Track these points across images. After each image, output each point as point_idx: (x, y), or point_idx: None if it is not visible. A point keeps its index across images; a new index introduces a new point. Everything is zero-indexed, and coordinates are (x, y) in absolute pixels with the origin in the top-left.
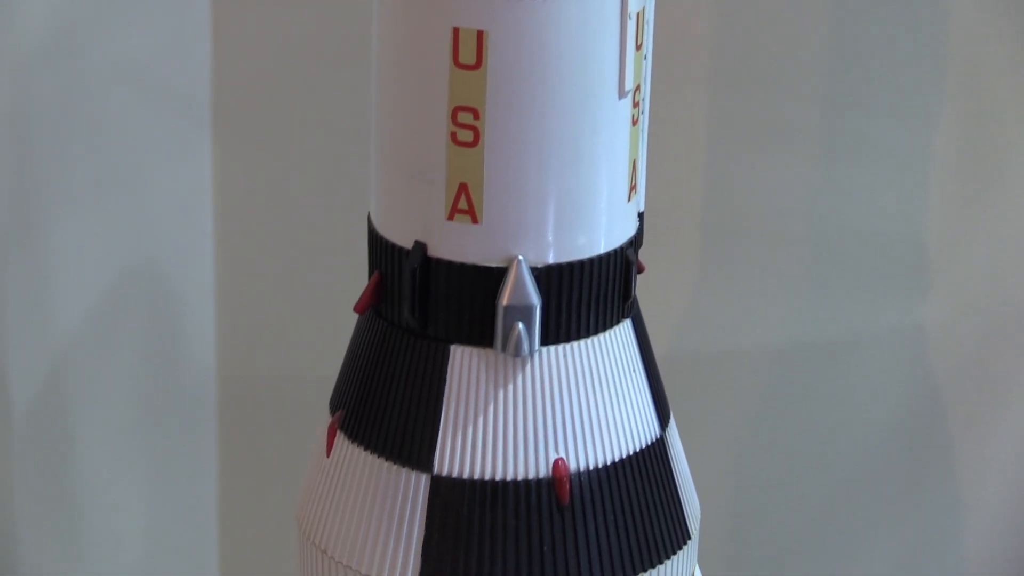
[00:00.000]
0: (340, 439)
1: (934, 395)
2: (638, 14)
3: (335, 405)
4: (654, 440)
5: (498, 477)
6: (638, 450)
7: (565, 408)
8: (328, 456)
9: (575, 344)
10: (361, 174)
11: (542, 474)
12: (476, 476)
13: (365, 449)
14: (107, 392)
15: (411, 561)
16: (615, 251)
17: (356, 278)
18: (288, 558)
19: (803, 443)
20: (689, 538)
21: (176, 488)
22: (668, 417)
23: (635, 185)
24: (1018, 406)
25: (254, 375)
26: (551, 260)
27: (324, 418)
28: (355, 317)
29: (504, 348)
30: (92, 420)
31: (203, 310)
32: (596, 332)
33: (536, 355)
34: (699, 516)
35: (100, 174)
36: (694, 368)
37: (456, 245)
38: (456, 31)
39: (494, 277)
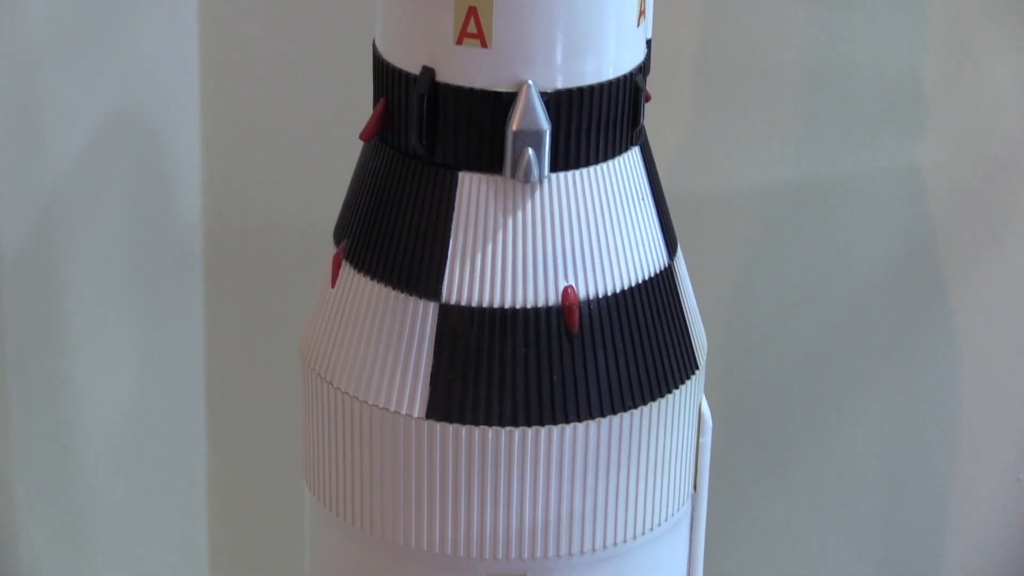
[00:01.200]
0: (346, 269)
1: (930, 235)
2: None
3: (339, 235)
4: (663, 269)
5: (507, 305)
6: (647, 278)
7: (574, 235)
8: (333, 287)
9: (584, 171)
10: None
11: (551, 302)
12: (485, 304)
13: (372, 279)
14: (94, 236)
15: (419, 390)
16: (624, 77)
17: (349, 116)
18: (276, 404)
19: (797, 284)
20: (697, 368)
21: (164, 337)
22: (676, 246)
23: (644, 10)
24: (1013, 247)
25: (241, 220)
26: (560, 85)
27: (313, 264)
28: (347, 158)
29: (513, 174)
30: (79, 264)
31: (189, 153)
32: (605, 159)
33: (545, 181)
34: (706, 348)
35: (86, 20)
36: (688, 208)
37: (465, 70)
38: None
39: (503, 102)
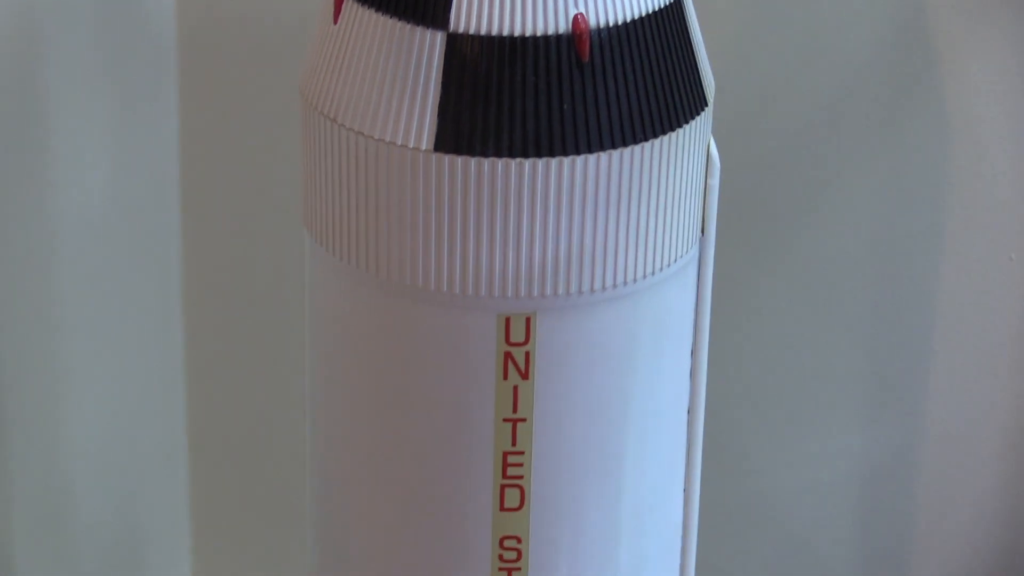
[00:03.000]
0: (348, 3)
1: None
2: None
3: None
4: (672, 0)
5: (516, 33)
6: (657, 9)
7: None
8: (335, 23)
9: None
10: None
11: (561, 29)
12: (494, 32)
13: (376, 11)
14: (66, 35)
15: (427, 122)
16: None
17: None
18: (251, 211)
19: (790, 52)
20: (706, 105)
21: (138, 133)
22: None
23: None
24: (1008, 17)
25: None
26: None
27: (292, 54)
28: None
29: None
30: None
31: None
32: None
33: None
34: (714, 89)
35: None
36: None
37: None
38: None
39: None
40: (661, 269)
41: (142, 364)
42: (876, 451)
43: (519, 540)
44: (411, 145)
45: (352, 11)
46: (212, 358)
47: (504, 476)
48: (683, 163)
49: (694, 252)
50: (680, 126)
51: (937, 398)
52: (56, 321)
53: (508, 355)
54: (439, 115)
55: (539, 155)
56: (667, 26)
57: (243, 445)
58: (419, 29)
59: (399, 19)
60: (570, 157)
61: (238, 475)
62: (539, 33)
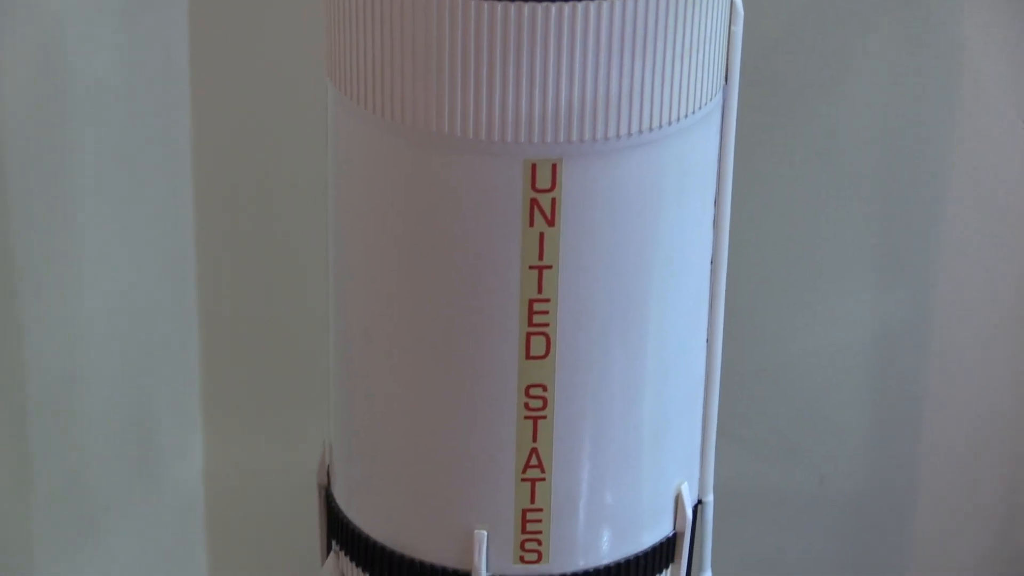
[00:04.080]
0: None
1: None
2: None
3: None
4: None
5: None
6: None
7: None
8: None
9: None
10: None
11: None
12: None
13: None
14: None
15: None
16: None
17: None
18: (266, 72)
19: None
20: None
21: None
22: None
23: None
24: None
25: None
26: None
27: None
28: None
29: None
30: None
31: None
32: None
33: None
34: None
35: None
36: None
37: None
38: None
39: None
40: (686, 116)
41: (153, 242)
42: (888, 314)
43: (544, 388)
44: None
45: None
46: (223, 233)
47: (530, 324)
48: (707, 7)
49: (718, 100)
50: None
51: (948, 261)
52: (68, 198)
53: (534, 202)
54: None
55: None
56: None
57: (254, 320)
58: None
59: None
60: (596, 0)
61: (249, 351)
62: None
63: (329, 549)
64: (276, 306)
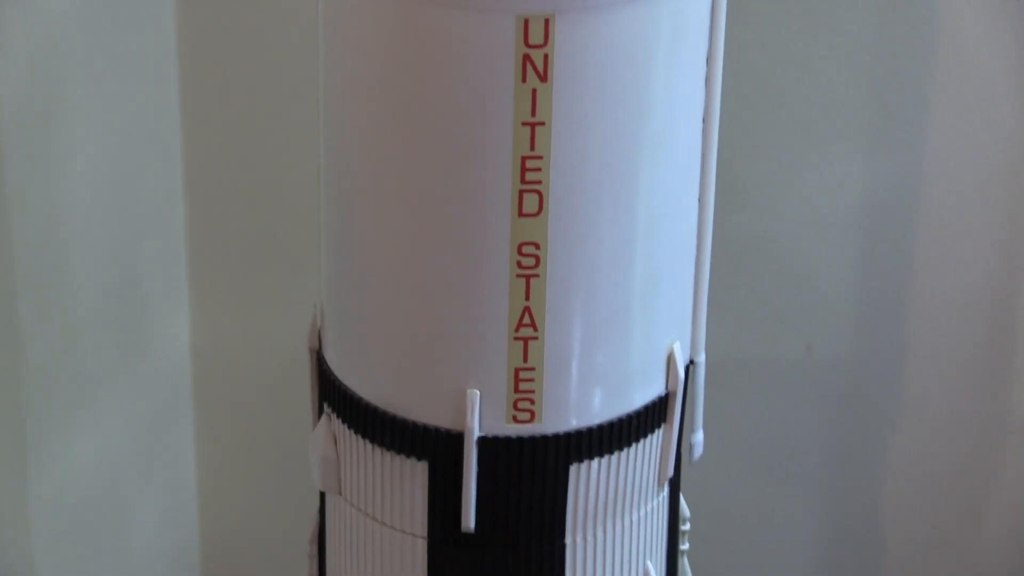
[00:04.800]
0: None
1: None
2: None
3: None
4: None
5: None
6: None
7: None
8: None
9: None
10: None
11: None
12: None
13: None
14: None
15: None
16: None
17: None
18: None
19: None
20: None
21: None
22: None
23: None
24: None
25: None
26: None
27: None
28: None
29: None
30: None
31: None
32: None
33: None
34: None
35: None
36: None
37: None
38: None
39: None
40: None
41: (138, 106)
42: (876, 183)
43: (537, 246)
44: None
45: None
46: (208, 101)
47: (523, 181)
48: None
49: None
50: None
51: (938, 129)
52: (51, 64)
53: (527, 57)
54: None
55: None
56: None
57: (240, 189)
58: None
59: None
60: None
61: (236, 221)
62: None
63: (321, 412)
64: (263, 170)
